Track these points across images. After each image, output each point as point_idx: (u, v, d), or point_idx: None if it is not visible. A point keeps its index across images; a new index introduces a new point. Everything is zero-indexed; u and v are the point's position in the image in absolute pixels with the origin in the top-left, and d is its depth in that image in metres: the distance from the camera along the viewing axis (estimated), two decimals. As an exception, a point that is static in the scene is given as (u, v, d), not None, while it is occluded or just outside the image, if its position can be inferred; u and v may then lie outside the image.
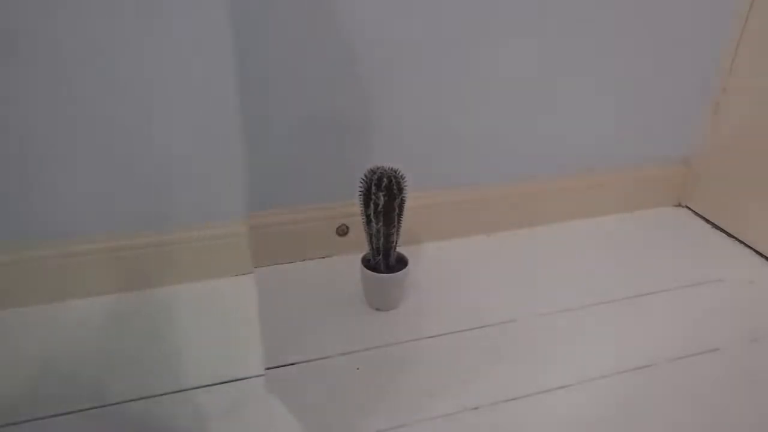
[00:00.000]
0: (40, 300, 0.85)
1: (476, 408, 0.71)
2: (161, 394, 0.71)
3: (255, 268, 0.93)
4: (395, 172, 0.77)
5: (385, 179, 0.76)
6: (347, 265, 0.93)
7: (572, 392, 0.73)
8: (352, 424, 0.69)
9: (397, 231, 0.81)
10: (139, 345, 0.78)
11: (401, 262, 0.85)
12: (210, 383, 0.72)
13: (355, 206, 0.81)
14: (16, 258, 0.82)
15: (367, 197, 0.78)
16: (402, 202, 0.78)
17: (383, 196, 0.76)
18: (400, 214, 0.80)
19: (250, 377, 0.74)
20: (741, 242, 1.06)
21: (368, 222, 0.80)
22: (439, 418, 0.69)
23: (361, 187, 0.78)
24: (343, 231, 0.96)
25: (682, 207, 1.17)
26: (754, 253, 1.03)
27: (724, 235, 1.08)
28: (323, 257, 0.98)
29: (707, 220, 1.12)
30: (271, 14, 0.79)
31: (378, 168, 0.77)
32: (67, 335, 0.79)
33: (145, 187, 0.83)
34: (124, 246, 0.85)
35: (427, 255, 0.99)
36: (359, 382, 0.74)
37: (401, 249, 0.85)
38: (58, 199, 0.81)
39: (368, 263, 0.84)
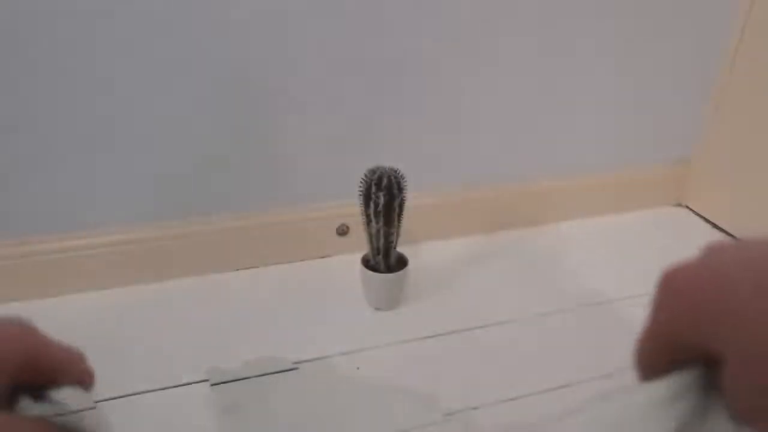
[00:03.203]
0: None
1: (476, 408, 0.71)
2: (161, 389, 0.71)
3: (253, 266, 0.94)
4: (395, 171, 0.77)
5: (385, 179, 0.76)
6: (347, 265, 0.93)
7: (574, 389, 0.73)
8: (352, 425, 0.69)
9: (398, 231, 0.81)
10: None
11: (401, 262, 0.85)
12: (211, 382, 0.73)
13: (355, 206, 0.81)
14: None
15: (367, 197, 0.78)
16: (402, 201, 0.78)
17: (383, 195, 0.76)
18: (400, 214, 0.79)
19: (250, 377, 0.74)
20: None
21: (368, 222, 0.80)
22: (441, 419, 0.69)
23: (361, 186, 0.78)
24: (343, 231, 0.96)
25: (682, 207, 1.17)
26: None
27: (723, 234, 1.08)
28: (323, 257, 0.98)
29: (707, 220, 1.12)
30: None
31: (378, 168, 0.77)
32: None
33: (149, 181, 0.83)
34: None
35: (426, 255, 0.99)
36: (359, 381, 0.74)
37: (401, 249, 0.85)
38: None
39: (368, 263, 0.84)
